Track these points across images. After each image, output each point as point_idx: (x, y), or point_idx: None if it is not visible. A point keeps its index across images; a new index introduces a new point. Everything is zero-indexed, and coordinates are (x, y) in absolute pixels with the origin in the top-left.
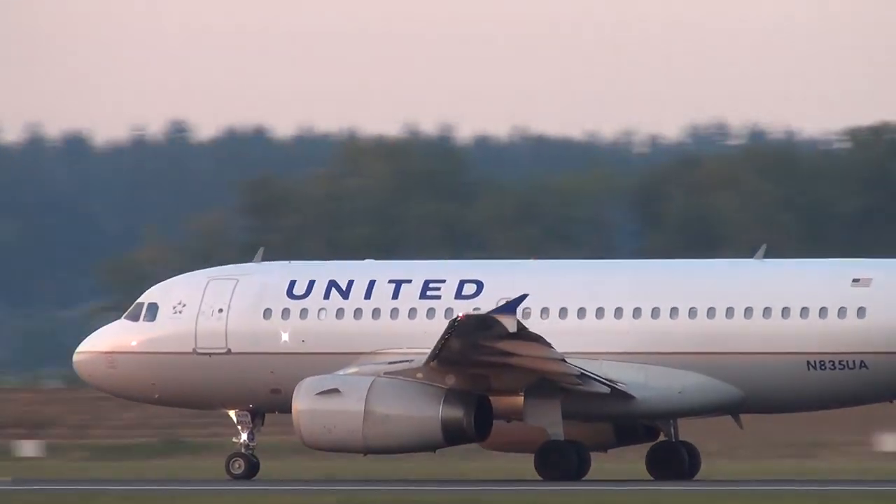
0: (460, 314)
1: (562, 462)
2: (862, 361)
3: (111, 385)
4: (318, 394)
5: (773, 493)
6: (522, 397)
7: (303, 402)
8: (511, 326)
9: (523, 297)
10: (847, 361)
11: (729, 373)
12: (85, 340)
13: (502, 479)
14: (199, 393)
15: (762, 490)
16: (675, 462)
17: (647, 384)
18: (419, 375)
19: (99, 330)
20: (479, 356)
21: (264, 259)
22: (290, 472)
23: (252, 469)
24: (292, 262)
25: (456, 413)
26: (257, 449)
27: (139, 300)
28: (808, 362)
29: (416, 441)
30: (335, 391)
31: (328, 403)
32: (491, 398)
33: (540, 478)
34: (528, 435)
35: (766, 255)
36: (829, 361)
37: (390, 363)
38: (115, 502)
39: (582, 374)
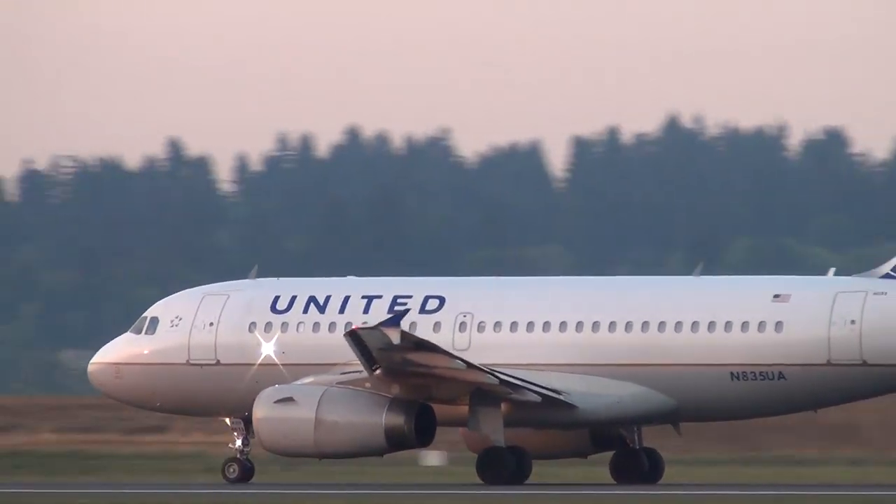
0: (353, 326)
1: (501, 467)
2: (780, 373)
3: (118, 394)
4: (275, 402)
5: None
6: (467, 406)
7: (261, 410)
8: (395, 338)
9: (407, 310)
10: (766, 373)
11: (662, 383)
12: (98, 352)
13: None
14: (194, 401)
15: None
16: (636, 468)
17: (589, 394)
18: (367, 385)
19: (110, 342)
20: (392, 366)
21: (259, 276)
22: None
23: (246, 473)
24: (280, 278)
25: (398, 420)
26: (251, 454)
27: (144, 314)
28: (732, 373)
29: (363, 446)
30: (290, 400)
31: (284, 411)
32: (436, 406)
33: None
34: (525, 440)
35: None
36: (751, 373)
37: (342, 373)
38: None
39: (504, 382)
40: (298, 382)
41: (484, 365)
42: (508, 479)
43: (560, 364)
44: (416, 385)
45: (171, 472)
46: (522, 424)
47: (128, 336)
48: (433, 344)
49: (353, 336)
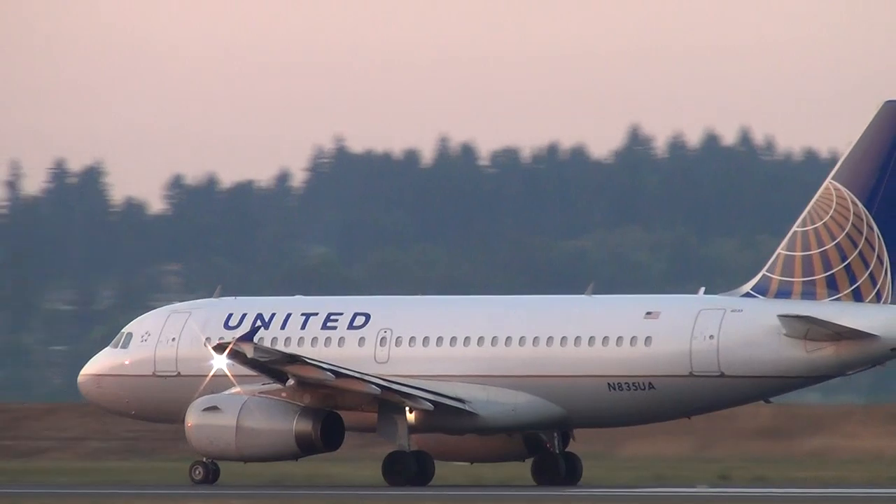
0: (216, 341)
1: (403, 470)
2: (650, 383)
3: (100, 402)
4: (202, 410)
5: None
6: (374, 413)
7: (191, 417)
8: (249, 352)
9: (258, 327)
10: (638, 383)
11: (551, 393)
12: (86, 364)
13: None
14: (161, 409)
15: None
16: (555, 471)
17: (488, 402)
18: (283, 395)
19: (95, 356)
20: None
21: (222, 295)
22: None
23: (210, 475)
24: (238, 297)
25: (306, 427)
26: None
27: (122, 330)
28: (609, 384)
29: (277, 451)
30: (216, 408)
31: (210, 419)
32: (347, 414)
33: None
34: (467, 445)
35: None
36: (625, 383)
37: (264, 384)
38: None
39: (385, 390)
40: (227, 392)
41: (400, 376)
42: (411, 481)
43: (465, 375)
44: (323, 395)
45: None
46: (431, 430)
47: (107, 350)
48: (297, 356)
49: (217, 350)
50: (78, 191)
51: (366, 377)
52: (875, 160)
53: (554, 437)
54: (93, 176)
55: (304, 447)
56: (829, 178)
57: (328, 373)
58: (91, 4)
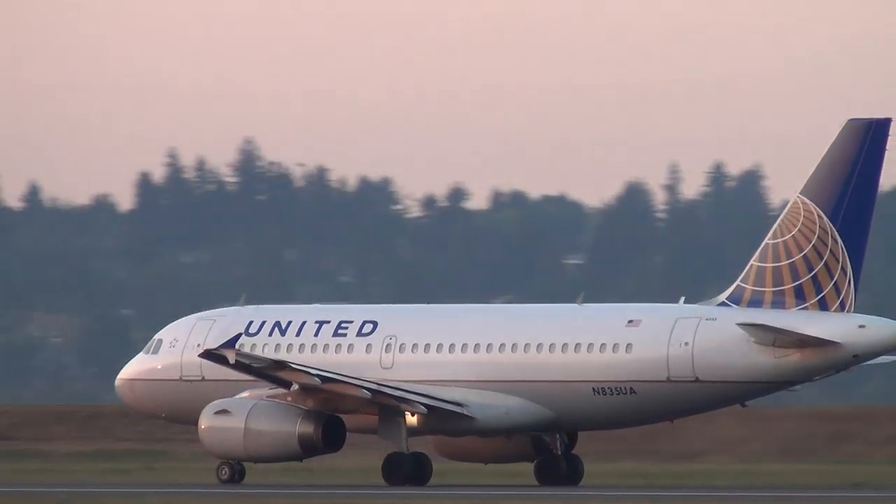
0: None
1: (402, 470)
2: (631, 388)
3: (134, 405)
4: (214, 413)
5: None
6: (374, 416)
7: (204, 420)
8: (231, 358)
9: (240, 335)
10: (620, 388)
11: (542, 397)
12: (122, 369)
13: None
14: (188, 412)
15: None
16: (555, 472)
17: (484, 406)
18: (289, 399)
19: (130, 361)
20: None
21: (247, 303)
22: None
23: (236, 475)
24: (259, 306)
25: (308, 429)
26: None
27: (153, 337)
28: (594, 389)
29: (282, 452)
30: (226, 412)
31: (220, 421)
32: (348, 417)
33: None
34: (478, 447)
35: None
36: (608, 388)
37: (272, 388)
38: None
39: (375, 393)
40: (238, 396)
41: (403, 381)
42: (409, 481)
43: (462, 380)
44: (324, 398)
45: None
46: (431, 432)
47: (140, 356)
48: (286, 362)
49: (204, 356)
50: (734, 194)
51: (356, 382)
52: (838, 176)
53: (556, 440)
54: (751, 179)
55: (307, 448)
56: (797, 193)
57: (315, 378)
58: None
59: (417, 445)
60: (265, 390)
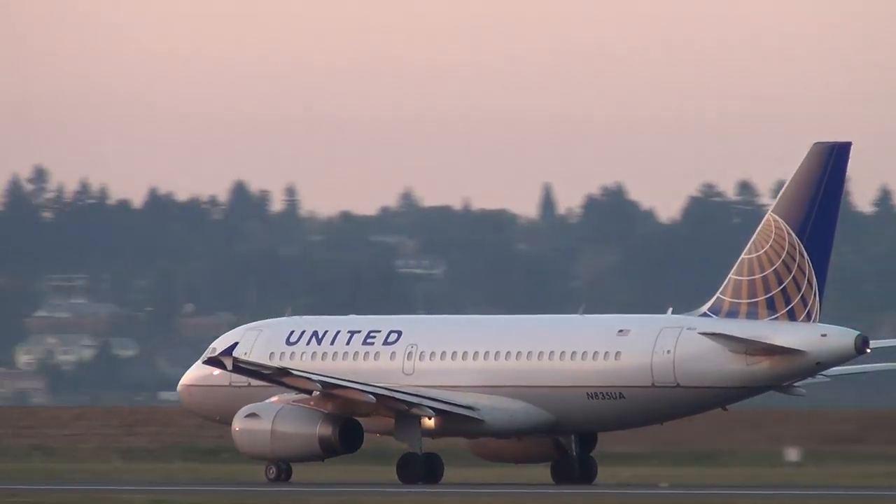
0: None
1: (415, 470)
2: (620, 393)
3: (192, 409)
4: (245, 417)
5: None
6: (393, 419)
7: (236, 423)
8: (228, 364)
9: (236, 343)
10: (611, 393)
11: (543, 401)
12: (183, 376)
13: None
14: None
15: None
16: (569, 472)
17: (493, 409)
18: (312, 403)
19: (189, 368)
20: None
21: (293, 314)
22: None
23: (282, 474)
24: (303, 316)
25: (327, 431)
26: None
27: (210, 345)
28: (588, 393)
29: (304, 453)
30: (255, 415)
31: (250, 424)
32: (368, 420)
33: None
34: (525, 449)
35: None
36: (601, 393)
37: (298, 392)
38: None
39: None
40: (268, 401)
41: (422, 386)
42: (421, 480)
43: (473, 386)
44: (342, 402)
45: None
46: (446, 434)
47: (198, 363)
48: (287, 368)
49: (208, 363)
50: None
51: (359, 387)
52: (805, 195)
53: (571, 442)
54: None
55: (326, 449)
56: (769, 211)
57: (316, 384)
58: None
59: (431, 447)
60: (293, 395)
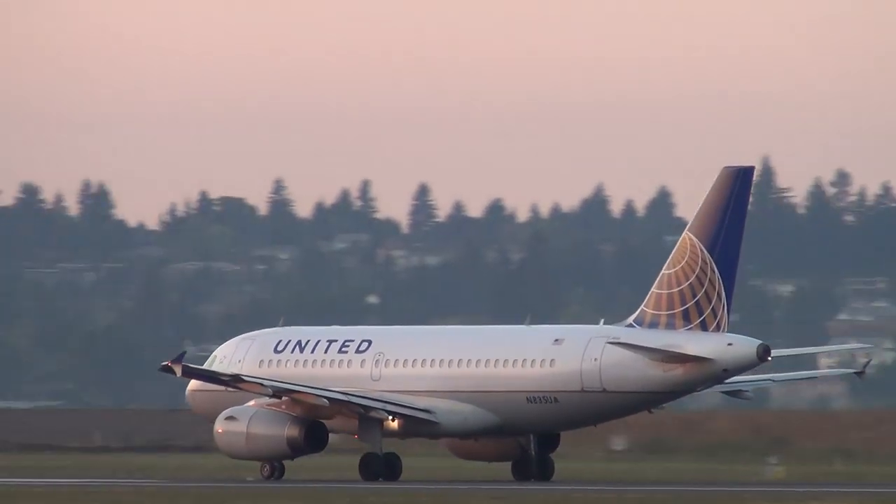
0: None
1: (374, 468)
2: (555, 397)
3: (197, 412)
4: (224, 419)
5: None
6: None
7: (217, 425)
8: (177, 371)
9: (184, 353)
10: (547, 397)
11: (489, 405)
12: (190, 382)
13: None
14: None
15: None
16: (528, 470)
17: (447, 413)
18: (283, 406)
19: None
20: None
21: (285, 325)
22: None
23: (276, 472)
24: (291, 327)
25: (294, 432)
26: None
27: (212, 354)
28: (527, 398)
29: (275, 452)
30: (233, 418)
31: (228, 426)
32: (335, 422)
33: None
34: (494, 448)
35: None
36: (538, 397)
37: (270, 398)
38: None
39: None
40: (246, 405)
41: (387, 391)
42: (382, 477)
43: (431, 390)
44: (308, 406)
45: None
46: (407, 436)
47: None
48: (240, 375)
49: (162, 370)
50: None
51: (314, 391)
52: (714, 215)
53: (531, 443)
54: None
55: (294, 449)
56: (686, 230)
57: (268, 389)
58: None
59: (391, 447)
60: (265, 399)
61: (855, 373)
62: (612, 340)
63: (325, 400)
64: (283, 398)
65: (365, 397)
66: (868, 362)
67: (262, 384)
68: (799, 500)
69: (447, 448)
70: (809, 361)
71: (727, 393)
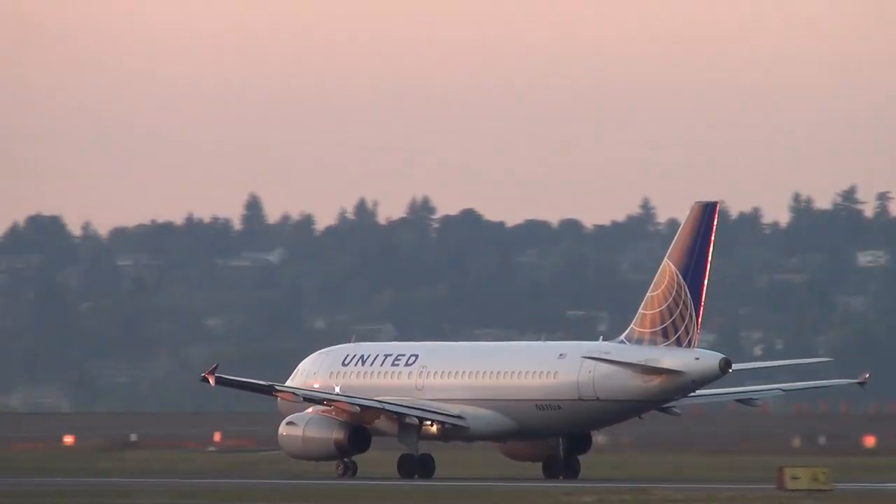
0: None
1: (411, 467)
2: (558, 405)
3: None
4: (285, 424)
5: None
6: (397, 425)
7: (280, 429)
8: (212, 382)
9: (217, 365)
10: (552, 405)
11: (507, 411)
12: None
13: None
14: None
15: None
16: (556, 469)
17: (475, 418)
18: (334, 413)
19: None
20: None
21: (357, 341)
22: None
23: (349, 470)
24: (360, 343)
25: (340, 436)
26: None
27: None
28: (536, 405)
29: (324, 453)
30: (292, 423)
31: (289, 430)
32: (370, 426)
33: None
34: (533, 450)
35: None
36: (545, 405)
37: (325, 405)
38: None
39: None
40: (305, 411)
41: (429, 400)
42: (418, 475)
43: (462, 399)
44: (352, 413)
45: None
46: (445, 439)
47: (289, 381)
48: (273, 385)
49: (202, 381)
50: None
51: (348, 399)
52: (687, 244)
53: (559, 444)
54: None
55: (341, 450)
56: (666, 257)
57: (300, 397)
58: None
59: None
60: (321, 406)
61: (858, 383)
62: (586, 355)
63: (357, 407)
64: (331, 406)
65: (399, 405)
66: (868, 374)
67: (295, 393)
68: None
69: (499, 450)
70: None
71: (740, 401)
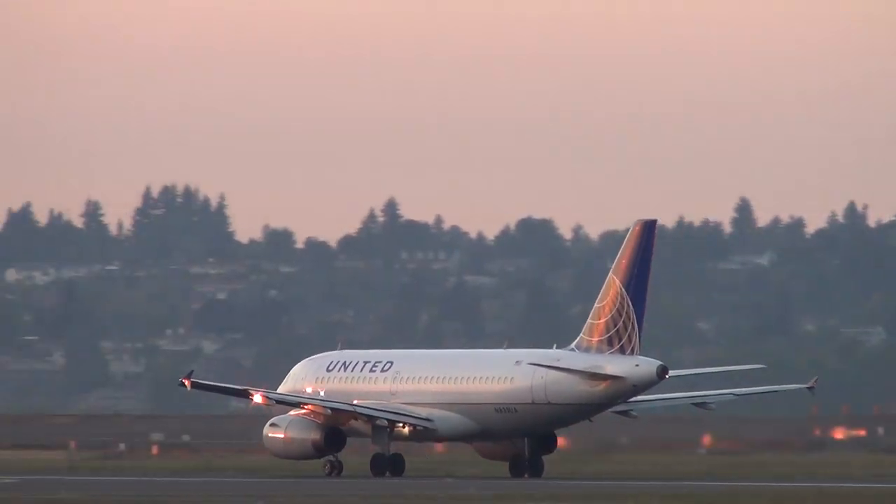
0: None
1: (382, 466)
2: (514, 408)
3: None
4: (269, 425)
5: None
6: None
7: (265, 430)
8: (188, 386)
9: (192, 371)
10: (508, 408)
11: (469, 414)
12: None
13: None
14: None
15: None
16: (521, 468)
17: (441, 420)
18: (311, 416)
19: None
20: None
21: (343, 348)
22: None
23: (336, 469)
24: (343, 350)
25: (317, 437)
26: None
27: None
28: (495, 408)
29: (303, 453)
30: (275, 425)
31: (272, 431)
32: (345, 427)
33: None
34: (502, 450)
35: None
36: (502, 408)
37: (303, 408)
38: None
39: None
40: (287, 414)
41: (402, 404)
42: (389, 474)
43: (431, 403)
44: (327, 415)
45: None
46: (415, 440)
47: (281, 385)
48: (250, 389)
49: (180, 385)
50: None
51: (320, 402)
52: (629, 259)
53: (524, 445)
54: None
55: (318, 450)
56: (611, 272)
57: (272, 400)
58: None
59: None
60: (301, 410)
61: (807, 388)
62: (532, 362)
63: (328, 410)
64: (306, 408)
65: (369, 408)
66: (816, 378)
67: (268, 396)
68: None
69: (475, 450)
70: None
71: (696, 405)
